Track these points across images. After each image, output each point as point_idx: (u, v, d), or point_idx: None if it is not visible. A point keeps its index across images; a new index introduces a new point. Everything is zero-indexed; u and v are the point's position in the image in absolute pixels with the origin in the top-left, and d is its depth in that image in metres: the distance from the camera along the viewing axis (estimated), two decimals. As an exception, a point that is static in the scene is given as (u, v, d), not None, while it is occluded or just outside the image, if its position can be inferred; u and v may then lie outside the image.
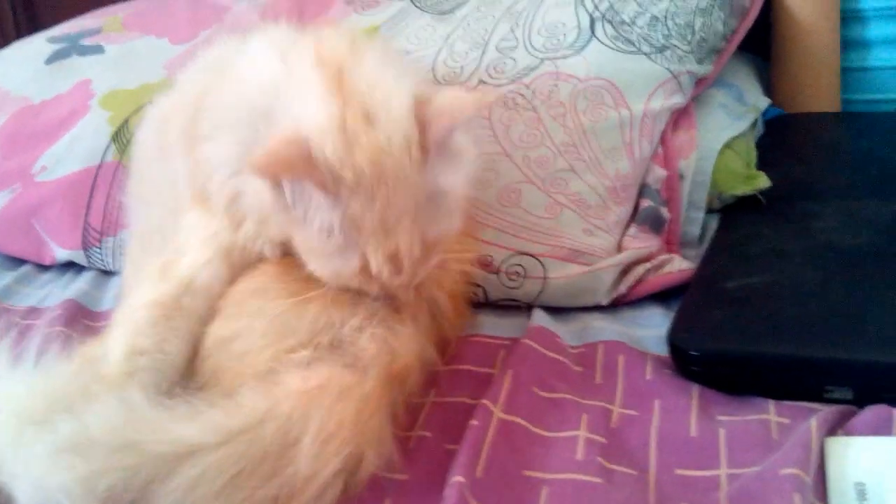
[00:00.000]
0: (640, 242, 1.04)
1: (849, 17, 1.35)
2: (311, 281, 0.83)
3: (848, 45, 1.35)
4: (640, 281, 1.01)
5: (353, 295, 0.82)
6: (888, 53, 1.35)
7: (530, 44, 1.13)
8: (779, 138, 1.23)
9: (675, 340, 0.88)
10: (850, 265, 0.94)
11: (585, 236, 1.02)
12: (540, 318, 0.98)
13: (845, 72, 1.35)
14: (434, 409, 0.86)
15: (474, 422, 0.80)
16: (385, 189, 0.76)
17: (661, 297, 1.01)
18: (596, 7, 1.15)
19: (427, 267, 0.82)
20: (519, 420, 0.82)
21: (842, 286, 0.91)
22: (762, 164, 1.13)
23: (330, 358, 0.79)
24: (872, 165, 1.16)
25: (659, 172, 1.07)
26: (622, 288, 1.01)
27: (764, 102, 1.25)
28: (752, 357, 0.85)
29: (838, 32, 1.33)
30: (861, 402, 0.80)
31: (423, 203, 0.78)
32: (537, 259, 1.01)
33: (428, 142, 0.78)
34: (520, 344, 0.92)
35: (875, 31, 1.34)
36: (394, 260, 0.78)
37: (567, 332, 0.97)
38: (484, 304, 1.03)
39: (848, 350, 0.83)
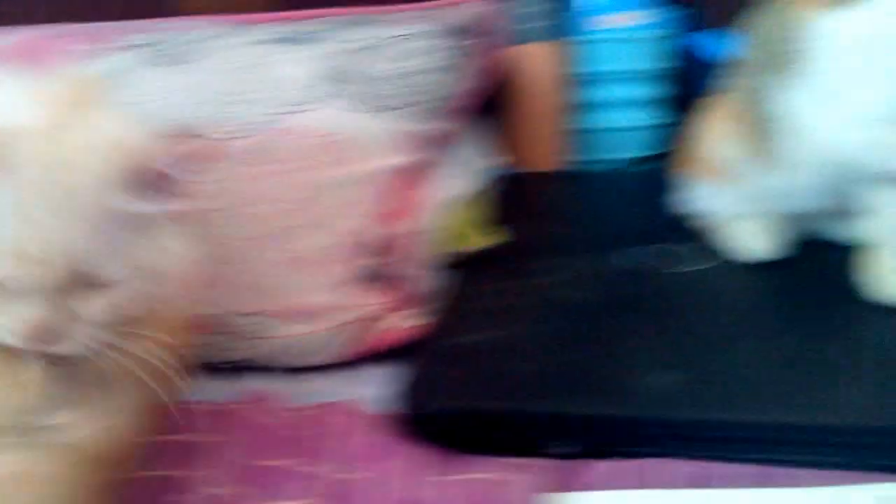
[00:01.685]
0: (369, 300, 1.02)
1: (578, 80, 1.40)
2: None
3: (579, 106, 1.40)
4: (367, 339, 0.99)
5: (45, 372, 0.74)
6: (615, 115, 1.41)
7: (262, 98, 1.10)
8: (510, 196, 1.25)
9: (402, 399, 0.86)
10: (575, 319, 0.96)
11: (311, 294, 1.00)
12: (261, 380, 0.95)
13: (577, 132, 1.40)
14: (143, 484, 0.80)
15: (185, 495, 0.75)
16: (35, 169, 0.68)
17: (390, 355, 0.99)
18: (327, 64, 1.13)
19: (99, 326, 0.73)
20: (234, 491, 0.77)
21: (569, 340, 0.93)
22: (496, 221, 1.14)
23: (19, 442, 0.71)
24: (598, 222, 1.20)
25: (390, 229, 1.05)
26: (348, 347, 0.99)
27: (495, 161, 1.27)
28: (477, 414, 0.84)
29: (567, 94, 1.38)
30: (584, 456, 0.81)
31: (91, 221, 0.70)
32: (261, 318, 0.98)
33: (126, 164, 0.71)
34: (237, 409, 0.88)
35: (602, 93, 1.40)
36: (21, 258, 0.68)
37: (290, 393, 0.94)
38: (203, 367, 0.96)
39: (570, 404, 0.84)
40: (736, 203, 1.07)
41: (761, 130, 0.99)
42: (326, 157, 1.04)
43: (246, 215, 1.01)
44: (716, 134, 1.06)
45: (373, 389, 0.93)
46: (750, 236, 1.05)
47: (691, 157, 1.11)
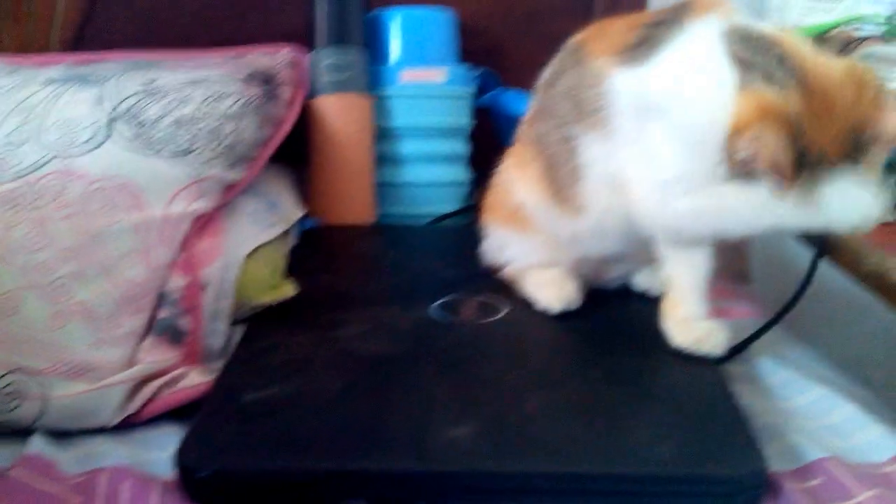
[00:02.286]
0: (156, 356, 0.96)
1: (383, 134, 1.39)
2: None
3: (383, 160, 1.39)
4: (153, 398, 0.93)
5: None
6: (419, 170, 1.40)
7: (40, 140, 1.03)
8: (313, 248, 1.22)
9: (184, 461, 0.80)
10: (371, 372, 0.93)
11: (93, 350, 0.92)
12: (37, 444, 0.86)
13: (381, 186, 1.39)
14: None
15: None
16: None
17: (178, 415, 0.93)
18: (116, 106, 1.08)
19: None
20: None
21: (361, 394, 0.89)
22: (295, 274, 1.10)
23: None
24: (400, 275, 1.18)
25: (179, 281, 1.00)
26: (132, 406, 0.92)
27: (298, 213, 1.23)
28: (264, 474, 0.79)
29: (372, 147, 1.37)
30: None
31: None
32: (36, 376, 0.90)
33: None
34: (6, 477, 0.80)
35: (406, 148, 1.40)
36: None
37: (68, 458, 0.86)
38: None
39: (362, 460, 0.80)
40: (537, 251, 1.07)
41: (562, 177, 0.99)
42: (106, 203, 0.98)
43: (9, 265, 0.94)
44: (516, 182, 1.06)
45: (164, 452, 0.87)
46: (551, 286, 1.05)
47: (493, 207, 1.11)
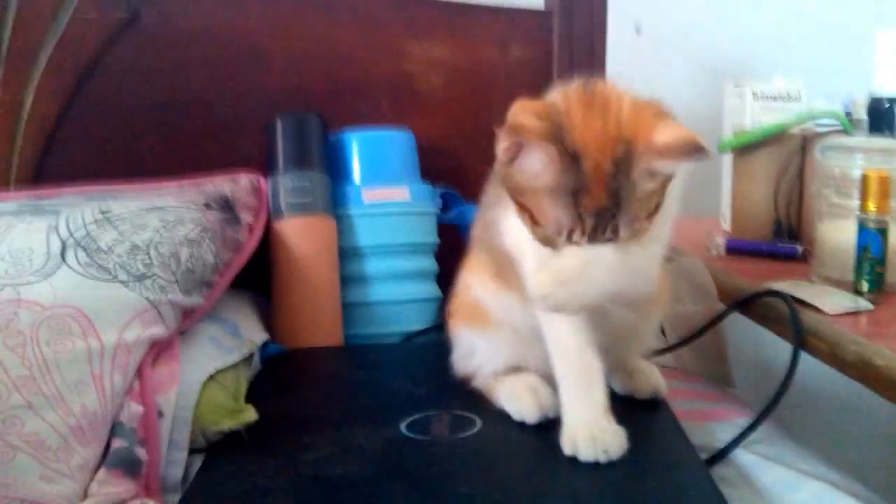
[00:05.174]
0: (111, 488, 0.90)
1: (349, 254, 1.37)
2: None
3: (350, 280, 1.37)
4: (104, 533, 0.87)
5: None
6: (387, 288, 1.38)
7: (-6, 269, 1.00)
8: (277, 374, 1.18)
9: None
10: (336, 497, 0.87)
11: (43, 483, 0.87)
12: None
13: (349, 307, 1.36)
14: None
15: None
16: None
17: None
18: (71, 234, 1.05)
19: None
20: None
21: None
22: (258, 399, 1.05)
23: None
24: (368, 395, 1.13)
25: (135, 409, 0.95)
26: (81, 542, 0.86)
27: (261, 337, 1.20)
28: None
29: (337, 269, 1.34)
30: None
31: None
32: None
33: None
34: None
35: (373, 267, 1.37)
36: None
37: None
38: None
39: None
40: (504, 350, 1.03)
41: (501, 261, 0.97)
42: (57, 330, 0.95)
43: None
44: (471, 282, 1.05)
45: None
46: (525, 394, 1.00)
47: (455, 312, 1.08)
